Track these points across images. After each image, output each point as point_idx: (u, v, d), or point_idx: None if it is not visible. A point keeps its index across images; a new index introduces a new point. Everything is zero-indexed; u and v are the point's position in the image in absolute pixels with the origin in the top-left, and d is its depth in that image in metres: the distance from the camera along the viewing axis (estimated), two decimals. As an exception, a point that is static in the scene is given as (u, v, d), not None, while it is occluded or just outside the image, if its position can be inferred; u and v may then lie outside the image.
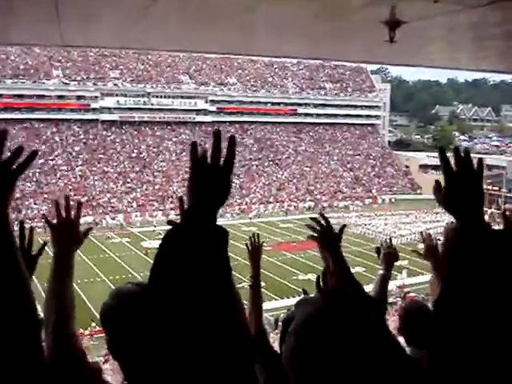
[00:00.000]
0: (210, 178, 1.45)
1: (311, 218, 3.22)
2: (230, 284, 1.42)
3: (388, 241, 3.93)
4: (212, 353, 1.31)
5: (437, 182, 1.70)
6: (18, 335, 1.33)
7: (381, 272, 3.77)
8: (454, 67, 9.37)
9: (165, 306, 1.33)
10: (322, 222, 3.13)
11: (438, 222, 62.68)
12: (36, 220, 58.16)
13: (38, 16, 4.66)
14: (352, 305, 1.31)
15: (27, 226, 2.31)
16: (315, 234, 3.12)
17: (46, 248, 2.37)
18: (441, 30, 4.95)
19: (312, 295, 1.42)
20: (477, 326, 1.38)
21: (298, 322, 1.32)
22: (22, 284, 1.38)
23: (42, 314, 1.69)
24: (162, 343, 1.35)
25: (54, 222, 2.44)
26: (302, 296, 1.47)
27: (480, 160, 1.69)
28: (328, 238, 3.03)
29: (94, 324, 31.54)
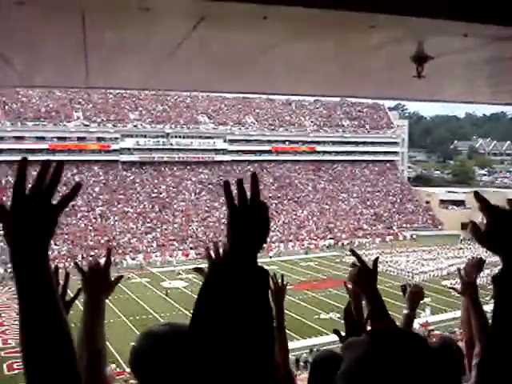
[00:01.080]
0: (250, 219, 1.42)
1: (351, 251, 3.14)
2: (271, 326, 1.41)
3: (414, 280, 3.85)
4: None
5: (472, 221, 1.65)
6: None
7: (405, 312, 3.67)
8: (482, 102, 9.35)
9: (205, 349, 1.31)
10: (356, 261, 3.05)
11: (461, 257, 61.97)
12: (57, 261, 58.47)
13: (65, 60, 4.74)
14: (402, 346, 1.28)
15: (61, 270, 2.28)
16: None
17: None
18: (468, 64, 4.94)
19: (358, 337, 1.37)
20: None
21: (348, 366, 1.29)
22: (65, 336, 1.34)
23: None
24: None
25: (86, 269, 2.42)
26: (349, 339, 1.43)
27: None
28: (364, 275, 2.96)
29: (113, 366, 31.35)
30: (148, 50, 4.45)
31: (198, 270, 2.47)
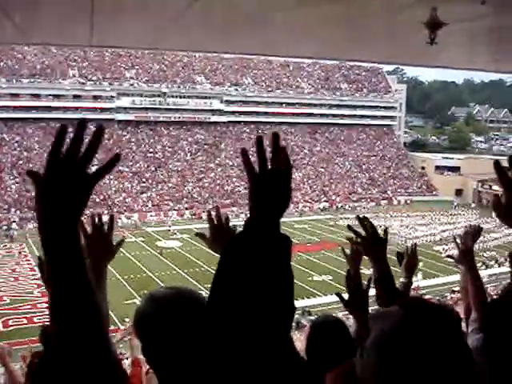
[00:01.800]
0: (272, 185, 1.40)
1: (358, 218, 3.15)
2: (292, 294, 1.39)
3: (412, 247, 3.83)
4: (261, 365, 1.29)
5: (496, 195, 1.65)
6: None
7: (403, 280, 3.70)
8: (495, 70, 9.25)
9: (224, 316, 1.29)
10: (366, 225, 3.08)
11: (454, 223, 62.41)
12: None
13: (69, 16, 4.64)
14: (434, 317, 1.28)
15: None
16: (358, 240, 3.11)
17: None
18: (483, 31, 4.88)
19: (387, 308, 1.38)
20: None
21: (379, 336, 1.28)
22: (95, 311, 1.29)
23: None
24: (209, 352, 1.31)
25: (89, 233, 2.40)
26: (377, 310, 1.43)
27: None
28: (373, 243, 2.96)
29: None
30: (153, 8, 4.39)
31: (200, 236, 2.47)
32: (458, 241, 3.79)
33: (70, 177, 1.28)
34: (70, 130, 1.32)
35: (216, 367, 1.28)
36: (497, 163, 1.61)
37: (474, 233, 3.77)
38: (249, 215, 1.41)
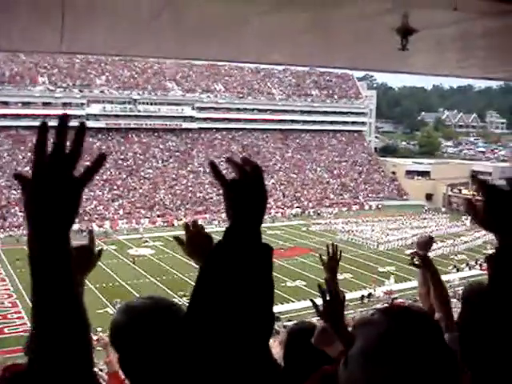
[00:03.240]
0: (248, 191, 1.38)
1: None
2: (272, 302, 1.39)
3: (333, 248, 3.79)
4: (240, 375, 1.28)
5: (469, 199, 1.65)
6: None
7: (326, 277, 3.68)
8: (466, 76, 9.36)
9: (205, 325, 1.27)
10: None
11: (425, 227, 63.03)
12: (22, 228, 57.85)
13: (42, 22, 4.58)
14: (417, 323, 1.29)
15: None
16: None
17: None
18: (454, 38, 4.94)
19: (370, 316, 1.38)
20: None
21: (364, 344, 1.28)
22: (82, 325, 1.24)
23: None
24: (188, 362, 1.28)
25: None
26: (363, 315, 1.44)
27: None
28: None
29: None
30: (124, 15, 4.37)
31: (177, 240, 2.45)
32: (416, 248, 3.93)
33: (59, 181, 1.20)
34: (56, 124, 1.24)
35: (194, 377, 1.26)
36: (473, 176, 1.62)
37: (426, 242, 3.89)
38: (228, 224, 1.38)
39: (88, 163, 1.25)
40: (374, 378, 1.23)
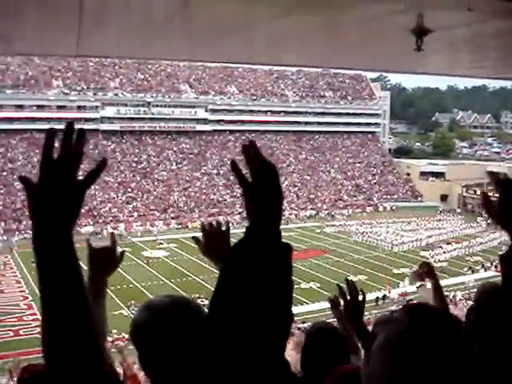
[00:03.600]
0: (267, 191, 1.42)
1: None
2: (291, 302, 1.40)
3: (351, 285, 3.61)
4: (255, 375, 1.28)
5: (484, 193, 1.65)
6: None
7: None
8: (480, 76, 9.32)
9: (226, 325, 1.29)
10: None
11: (440, 229, 62.70)
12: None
13: (58, 25, 4.61)
14: (439, 321, 1.30)
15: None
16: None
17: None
18: (468, 38, 4.92)
19: (391, 314, 1.40)
20: None
21: (386, 341, 1.29)
22: (88, 325, 1.27)
23: None
24: (207, 360, 1.30)
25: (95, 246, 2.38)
26: (382, 314, 1.45)
27: None
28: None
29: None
30: (138, 18, 4.39)
31: (195, 240, 2.47)
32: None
33: (64, 184, 1.28)
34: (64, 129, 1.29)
35: (212, 375, 1.28)
36: (490, 172, 1.63)
37: (418, 274, 3.96)
38: (248, 223, 1.41)
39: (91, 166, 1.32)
40: (395, 374, 1.23)
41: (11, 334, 32.65)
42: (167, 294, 1.87)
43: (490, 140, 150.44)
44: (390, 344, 1.27)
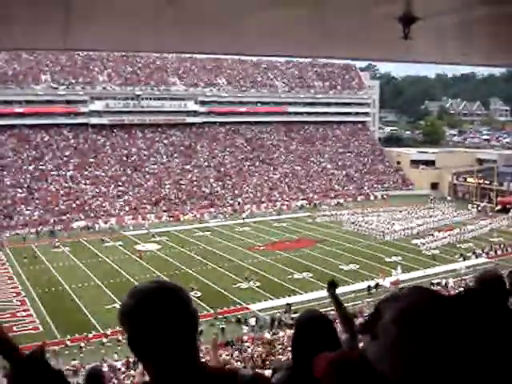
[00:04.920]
0: None
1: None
2: None
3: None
4: None
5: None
6: None
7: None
8: (468, 63, 9.32)
9: None
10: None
11: (431, 217, 62.98)
12: (28, 226, 58.05)
13: (43, 18, 4.57)
14: (447, 297, 1.35)
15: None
16: None
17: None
18: (456, 25, 4.92)
19: (395, 292, 1.44)
20: None
21: (400, 313, 1.32)
22: None
23: None
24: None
25: None
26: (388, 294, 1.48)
27: None
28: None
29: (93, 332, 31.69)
30: (126, 11, 4.36)
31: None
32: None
33: None
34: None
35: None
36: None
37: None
38: None
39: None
40: (409, 343, 1.27)
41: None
42: (153, 280, 1.93)
43: (479, 127, 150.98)
44: (402, 315, 1.30)
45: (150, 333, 1.75)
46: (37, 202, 64.31)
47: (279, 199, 75.14)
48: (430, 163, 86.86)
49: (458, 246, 50.84)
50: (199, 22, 4.75)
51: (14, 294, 38.71)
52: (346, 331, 3.55)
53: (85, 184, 70.44)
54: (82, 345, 30.46)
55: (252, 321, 32.97)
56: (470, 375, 1.24)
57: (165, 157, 79.86)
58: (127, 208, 67.44)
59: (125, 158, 77.49)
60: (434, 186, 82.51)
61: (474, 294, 1.40)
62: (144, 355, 1.80)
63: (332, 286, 3.88)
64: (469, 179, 76.63)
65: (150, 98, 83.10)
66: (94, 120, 79.38)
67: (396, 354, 1.30)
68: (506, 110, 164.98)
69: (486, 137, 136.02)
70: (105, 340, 30.84)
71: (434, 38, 5.70)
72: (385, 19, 4.22)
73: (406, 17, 4.10)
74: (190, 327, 1.80)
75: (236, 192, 74.71)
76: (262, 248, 50.93)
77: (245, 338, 30.43)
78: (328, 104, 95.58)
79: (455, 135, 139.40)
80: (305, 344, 2.98)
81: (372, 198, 79.75)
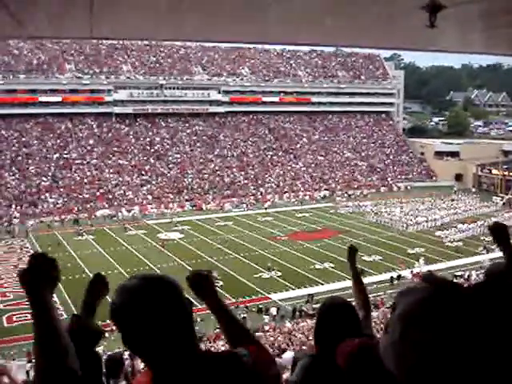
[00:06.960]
0: None
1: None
2: None
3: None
4: None
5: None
6: None
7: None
8: (493, 53, 9.20)
9: None
10: None
11: (455, 208, 62.45)
12: (53, 214, 58.68)
13: (68, 7, 4.60)
14: (456, 293, 1.32)
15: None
16: None
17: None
18: (482, 14, 4.86)
19: (414, 286, 1.43)
20: None
21: (405, 310, 1.32)
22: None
23: None
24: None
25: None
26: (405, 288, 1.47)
27: None
28: None
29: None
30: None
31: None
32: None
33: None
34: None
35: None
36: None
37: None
38: None
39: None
40: (411, 341, 1.26)
41: (29, 316, 32.92)
42: (142, 274, 1.92)
43: (505, 119, 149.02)
44: (407, 312, 1.30)
45: (141, 329, 1.76)
46: (61, 190, 64.93)
47: (301, 189, 75.02)
48: (454, 154, 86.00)
49: (482, 238, 50.37)
50: (223, 10, 4.74)
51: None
52: (360, 307, 3.59)
53: (108, 173, 70.94)
54: (107, 335, 30.76)
55: (273, 310, 33.03)
56: (471, 380, 1.23)
57: (188, 146, 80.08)
58: (150, 197, 67.81)
59: (148, 147, 77.86)
60: (458, 177, 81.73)
61: (483, 288, 1.37)
62: (139, 351, 1.83)
63: (352, 251, 3.89)
64: (493, 171, 75.79)
65: (174, 88, 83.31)
66: (118, 109, 79.82)
67: (396, 352, 1.30)
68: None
69: (511, 128, 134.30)
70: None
71: (459, 26, 5.63)
72: (411, 7, 4.18)
73: (433, 5, 4.06)
74: (183, 318, 1.81)
75: (258, 182, 74.72)
76: (283, 238, 50.94)
77: (266, 327, 30.49)
78: (352, 94, 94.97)
79: (480, 126, 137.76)
80: (327, 330, 2.99)
81: (395, 189, 79.21)
